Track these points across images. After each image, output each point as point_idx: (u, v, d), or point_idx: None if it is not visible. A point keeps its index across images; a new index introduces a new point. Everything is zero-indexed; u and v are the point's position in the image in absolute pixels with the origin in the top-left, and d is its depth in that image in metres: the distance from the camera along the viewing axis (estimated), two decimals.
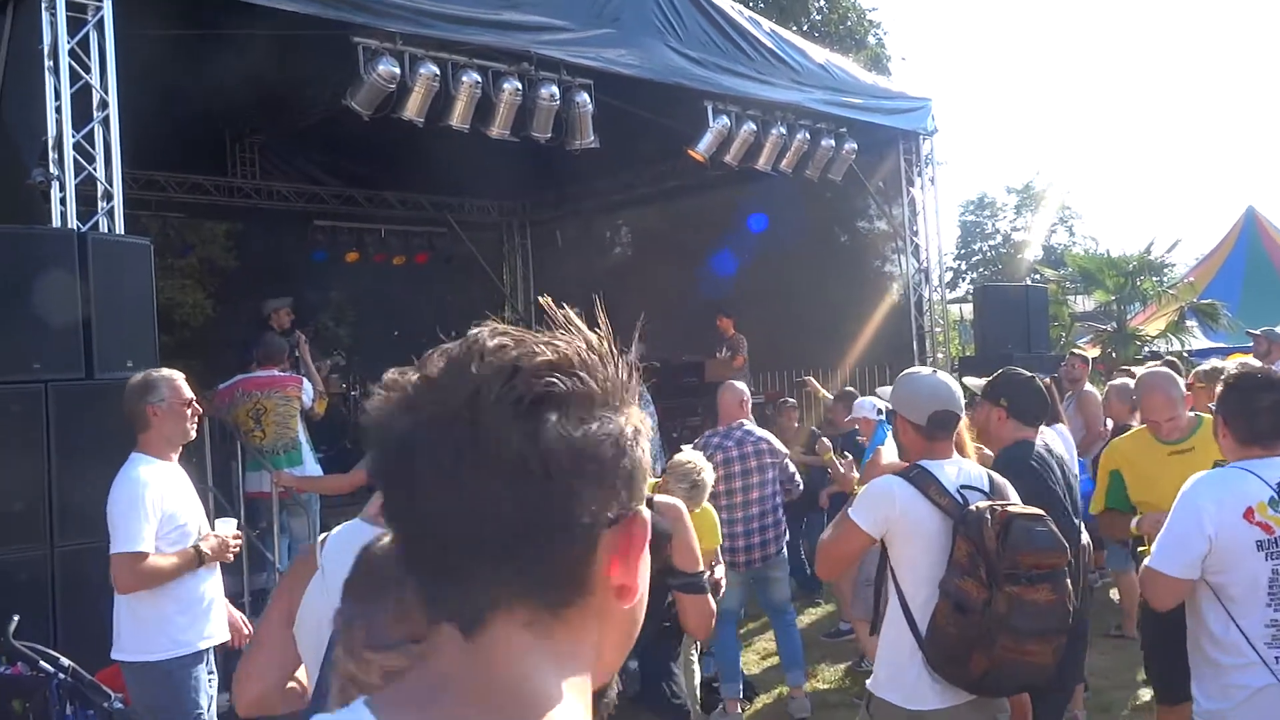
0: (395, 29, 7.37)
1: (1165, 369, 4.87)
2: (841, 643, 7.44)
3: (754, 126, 9.70)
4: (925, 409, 3.23)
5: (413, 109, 7.72)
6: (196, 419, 4.10)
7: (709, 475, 4.80)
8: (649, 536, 0.82)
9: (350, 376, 12.79)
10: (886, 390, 3.50)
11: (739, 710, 6.02)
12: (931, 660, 3.00)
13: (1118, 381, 7.09)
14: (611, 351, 0.83)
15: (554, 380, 0.78)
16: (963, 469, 3.23)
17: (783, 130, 9.92)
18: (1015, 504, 3.10)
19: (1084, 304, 17.90)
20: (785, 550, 6.35)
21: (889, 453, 3.62)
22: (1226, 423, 3.08)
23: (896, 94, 11.56)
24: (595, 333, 0.84)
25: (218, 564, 4.11)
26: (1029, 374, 4.09)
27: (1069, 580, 3.00)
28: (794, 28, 18.60)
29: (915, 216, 11.88)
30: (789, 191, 11.60)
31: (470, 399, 0.76)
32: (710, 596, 3.21)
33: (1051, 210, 38.03)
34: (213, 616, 4.06)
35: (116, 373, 5.04)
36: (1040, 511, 3.07)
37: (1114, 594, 7.72)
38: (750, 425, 6.34)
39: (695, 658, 4.19)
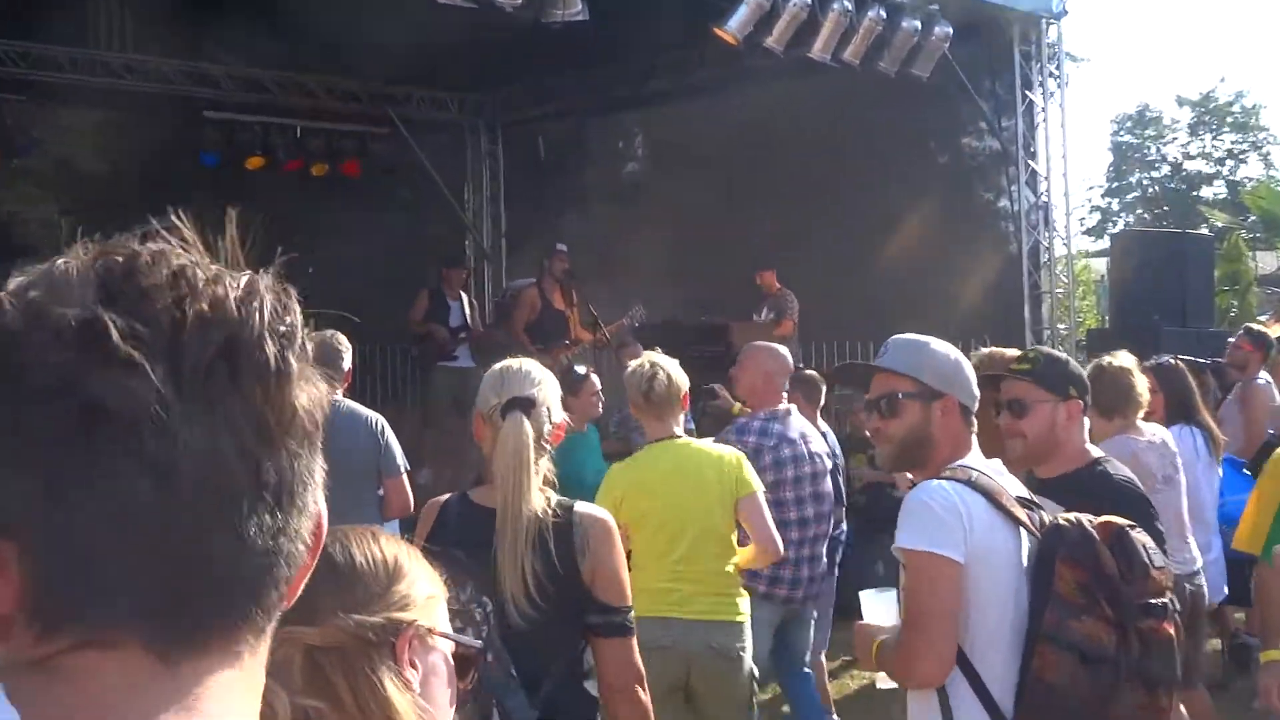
0: None
1: None
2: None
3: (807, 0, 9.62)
4: (975, 389, 3.25)
5: None
6: None
7: (677, 376, 4.97)
8: None
9: None
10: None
11: None
12: None
13: None
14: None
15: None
16: (1003, 471, 3.23)
17: (847, 5, 9.82)
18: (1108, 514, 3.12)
19: (1270, 263, 17.73)
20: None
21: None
22: None
23: None
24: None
25: None
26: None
27: None
28: None
29: (1034, 131, 11.80)
30: (866, 92, 11.53)
31: (223, 353, 0.81)
32: (634, 643, 3.22)
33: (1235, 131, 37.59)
34: None
35: None
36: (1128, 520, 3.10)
37: None
38: (796, 415, 6.36)
39: None
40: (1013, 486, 3.18)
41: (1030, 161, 11.85)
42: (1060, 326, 12.16)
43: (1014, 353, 4.58)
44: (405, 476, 6.29)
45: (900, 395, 3.23)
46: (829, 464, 6.37)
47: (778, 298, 11.53)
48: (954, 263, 12.34)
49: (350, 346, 6.33)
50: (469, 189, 15.22)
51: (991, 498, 3.02)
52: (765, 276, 11.60)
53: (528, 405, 3.25)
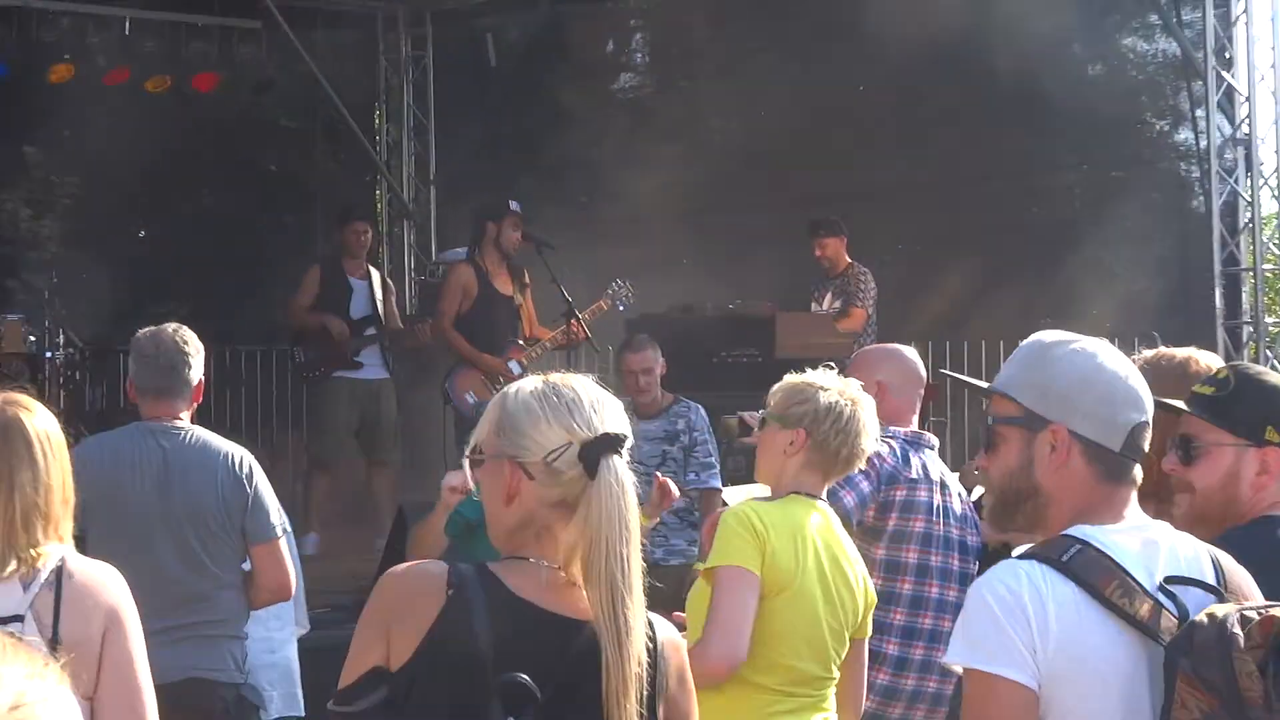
0: None
1: None
2: None
3: None
4: (1122, 418, 3.23)
5: None
6: None
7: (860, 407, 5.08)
8: None
9: (48, 318, 12.70)
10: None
11: None
12: None
13: None
14: None
15: None
16: (1159, 541, 3.24)
17: None
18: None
19: None
20: None
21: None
22: None
23: None
24: None
25: None
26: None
27: None
28: None
29: (1230, 28, 11.88)
30: None
31: None
32: None
33: None
34: None
35: None
36: None
37: None
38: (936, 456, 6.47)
39: None
40: (1167, 562, 3.23)
41: (1225, 73, 11.87)
42: (1268, 320, 12.17)
43: (1203, 359, 4.52)
44: (283, 541, 6.25)
45: (993, 422, 3.34)
46: (968, 539, 6.43)
47: (846, 277, 11.57)
48: (1108, 223, 12.44)
49: (202, 348, 6.31)
50: (382, 113, 15.32)
51: (1090, 585, 3.10)
52: (828, 245, 11.62)
53: (621, 446, 3.16)
